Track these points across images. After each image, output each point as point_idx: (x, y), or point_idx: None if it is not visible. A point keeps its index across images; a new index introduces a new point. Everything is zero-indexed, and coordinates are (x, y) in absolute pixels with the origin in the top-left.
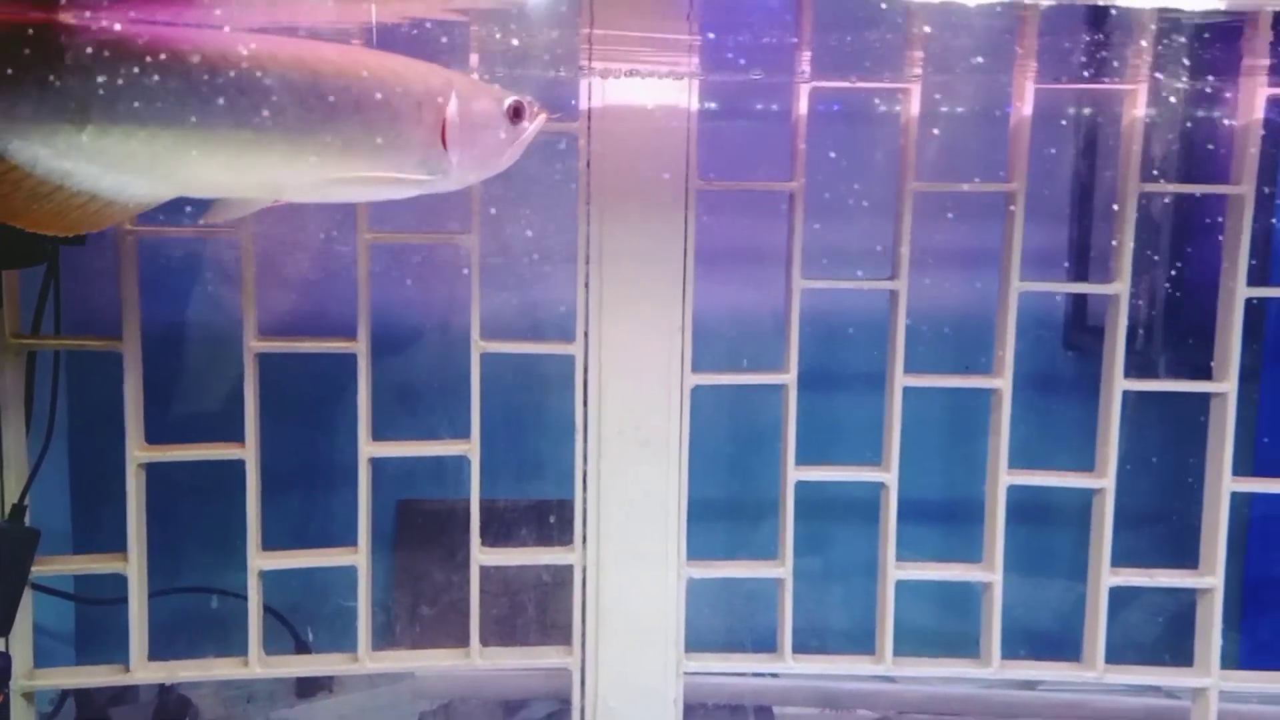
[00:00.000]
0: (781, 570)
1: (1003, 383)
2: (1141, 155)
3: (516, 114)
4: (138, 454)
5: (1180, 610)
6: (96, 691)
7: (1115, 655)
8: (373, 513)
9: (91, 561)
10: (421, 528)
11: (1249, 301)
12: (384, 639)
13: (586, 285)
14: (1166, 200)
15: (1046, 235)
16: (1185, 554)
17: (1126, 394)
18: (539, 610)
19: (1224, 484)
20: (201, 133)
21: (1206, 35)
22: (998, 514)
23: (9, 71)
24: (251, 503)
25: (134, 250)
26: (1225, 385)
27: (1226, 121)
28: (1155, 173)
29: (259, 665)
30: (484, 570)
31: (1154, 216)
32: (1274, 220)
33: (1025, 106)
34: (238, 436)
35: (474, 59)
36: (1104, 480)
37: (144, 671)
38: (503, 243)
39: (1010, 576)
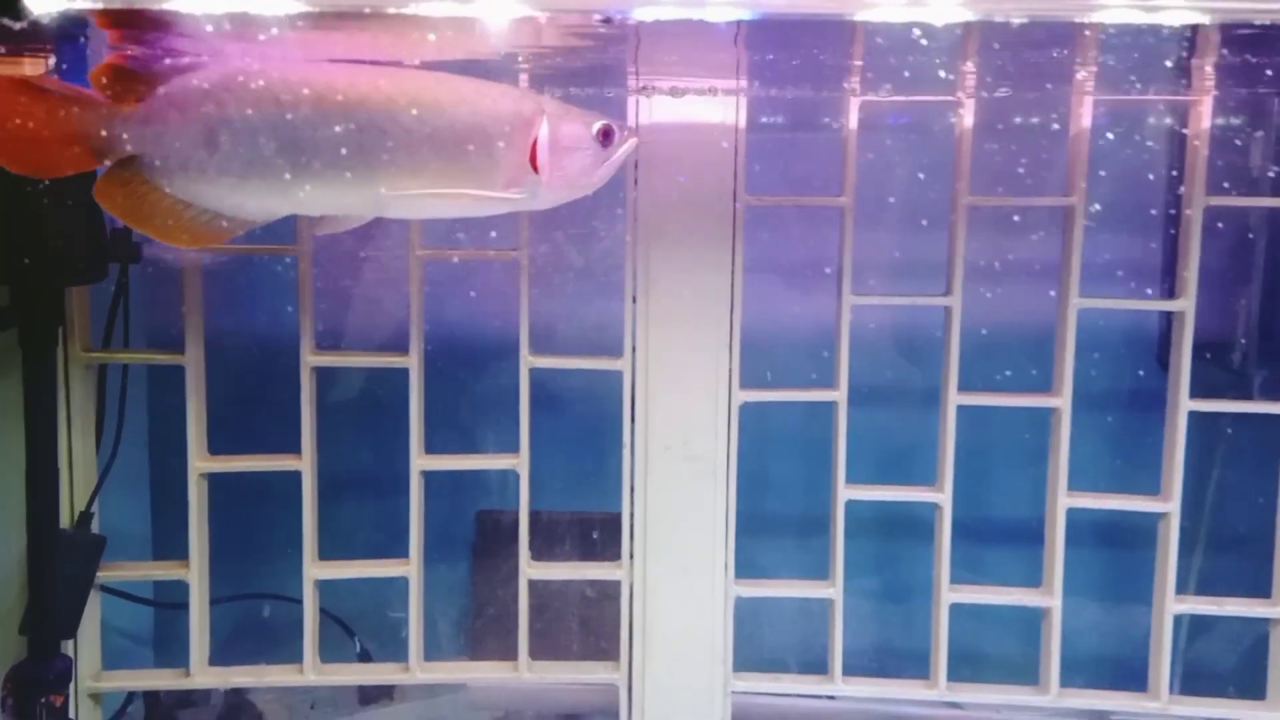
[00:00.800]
0: (832, 590)
1: (1061, 401)
2: (1245, 168)
3: (606, 136)
4: (199, 464)
5: (1260, 642)
6: (165, 694)
7: (1188, 686)
8: (451, 522)
9: (156, 568)
10: (499, 538)
11: None
12: (457, 647)
13: (634, 300)
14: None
15: (1140, 249)
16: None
17: (1219, 414)
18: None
19: None
20: (310, 158)
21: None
22: (1057, 537)
23: (162, 106)
24: (308, 513)
25: (198, 268)
26: None
27: None
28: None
29: (313, 672)
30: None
31: (1252, 228)
32: None
33: (1084, 118)
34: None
35: (523, 79)
36: (1169, 504)
37: (203, 676)
38: (556, 258)
39: (1089, 601)
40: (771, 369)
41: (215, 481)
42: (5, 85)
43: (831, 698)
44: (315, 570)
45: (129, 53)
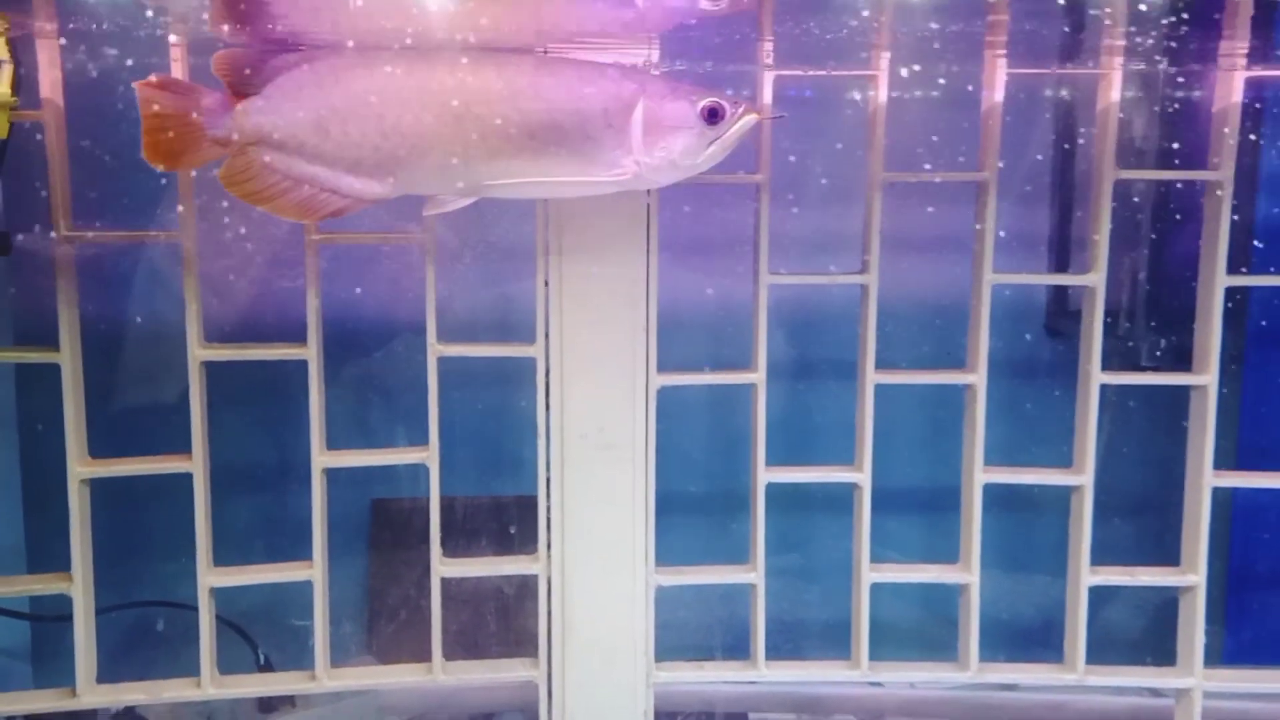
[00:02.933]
0: (753, 575)
1: (976, 378)
2: (1128, 141)
3: (712, 115)
4: (79, 470)
5: (1167, 605)
6: (49, 714)
7: (1100, 653)
8: (344, 512)
9: (35, 582)
10: (398, 527)
11: (1232, 290)
12: (358, 646)
13: (546, 283)
14: (1150, 185)
15: (1028, 222)
16: (1172, 549)
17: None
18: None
19: (1205, 479)
20: (416, 141)
21: (1183, 17)
22: (974, 513)
23: (277, 97)
24: (200, 517)
25: (70, 259)
26: (1206, 377)
27: (1206, 106)
28: (1135, 157)
29: (212, 686)
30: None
31: (1138, 201)
32: (1256, 207)
33: (996, 93)
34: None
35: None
36: (1082, 477)
37: (91, 695)
38: (462, 240)
39: (996, 573)
40: (687, 351)
41: (98, 483)
42: (148, 85)
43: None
44: (211, 578)
45: (246, 47)
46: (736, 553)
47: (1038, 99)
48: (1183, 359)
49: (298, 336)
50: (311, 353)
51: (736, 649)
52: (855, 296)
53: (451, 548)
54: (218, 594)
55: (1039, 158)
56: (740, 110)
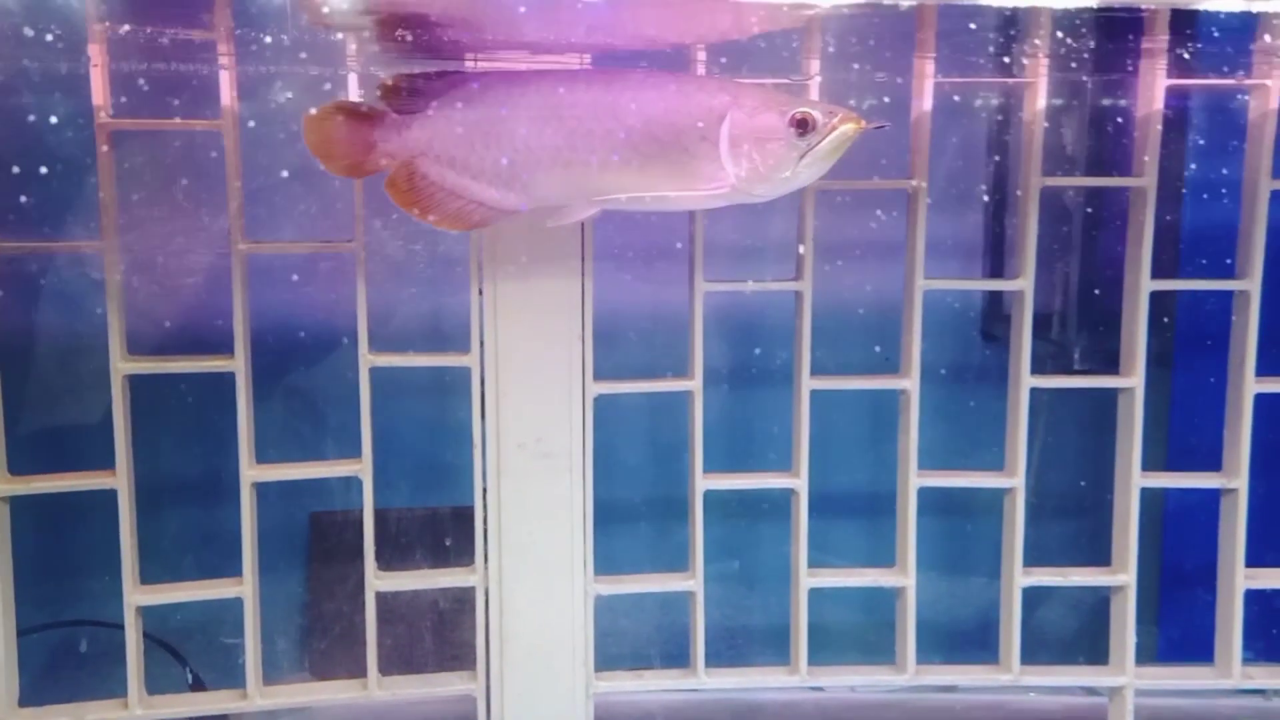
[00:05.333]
0: (692, 583)
1: (910, 383)
2: (1061, 148)
3: (801, 126)
4: None
5: (1104, 605)
6: None
7: (1041, 653)
8: (283, 526)
9: None
10: (336, 541)
11: (1161, 293)
12: (295, 663)
13: (480, 291)
14: (1085, 191)
15: (965, 228)
16: (1110, 549)
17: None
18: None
19: (1133, 479)
20: (540, 155)
21: (1108, 26)
22: (909, 517)
23: (434, 114)
24: (126, 534)
25: None
26: (1133, 380)
27: (1132, 114)
28: (1068, 164)
29: (139, 707)
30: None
31: (1069, 206)
32: (1184, 212)
33: (925, 102)
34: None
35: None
36: (1014, 479)
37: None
38: (395, 248)
39: (940, 576)
40: (624, 358)
41: (19, 499)
42: (326, 109)
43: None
44: (138, 596)
45: (409, 71)
46: (683, 560)
47: (974, 107)
48: (1116, 362)
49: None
50: (239, 364)
51: (683, 658)
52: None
53: (388, 560)
54: (150, 613)
55: (977, 165)
56: (836, 120)
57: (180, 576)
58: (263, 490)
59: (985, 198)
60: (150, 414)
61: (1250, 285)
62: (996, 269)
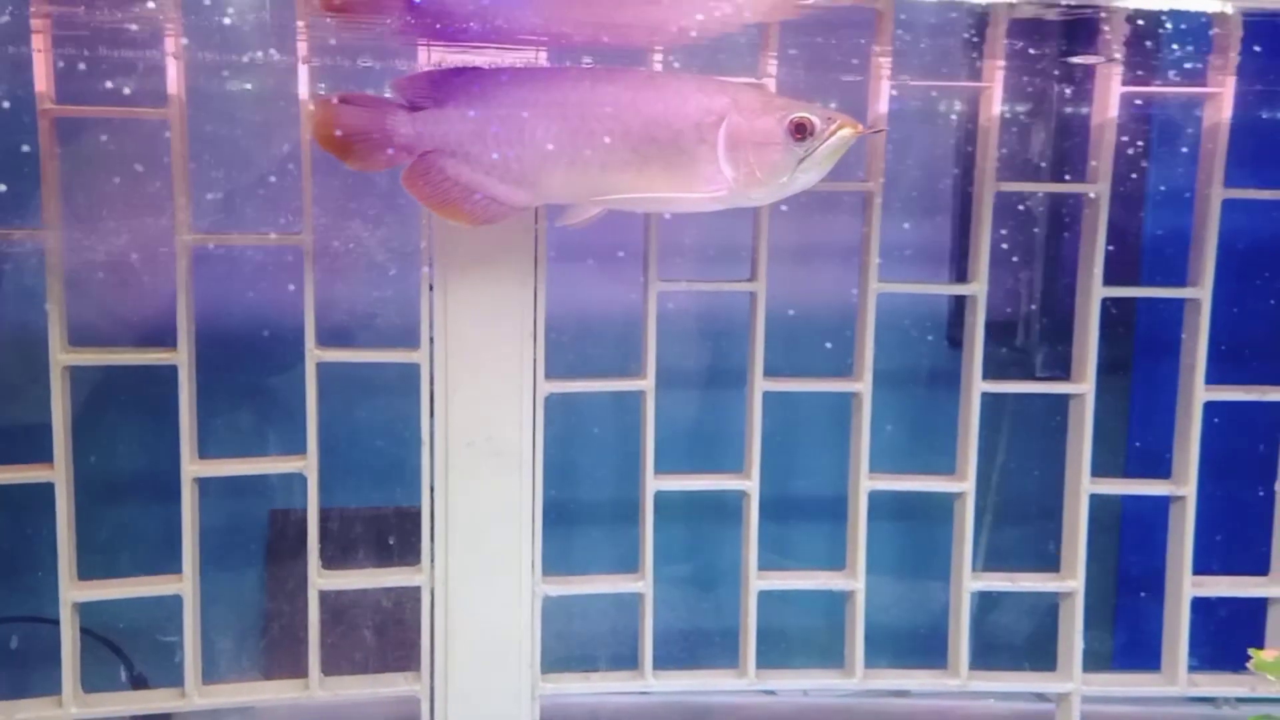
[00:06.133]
0: (641, 584)
1: (862, 386)
2: (1026, 155)
3: (798, 130)
4: None
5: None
6: None
7: (999, 657)
8: (241, 522)
9: None
10: (296, 539)
11: (1121, 301)
12: (253, 661)
13: (431, 288)
14: (1049, 198)
15: (933, 233)
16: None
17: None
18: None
19: (1083, 485)
20: (546, 152)
21: (1065, 32)
22: (860, 519)
23: (446, 109)
24: (63, 528)
25: None
26: (1084, 385)
27: (1089, 120)
28: (1034, 170)
29: (74, 705)
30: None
31: (1035, 213)
32: (1144, 220)
33: (880, 104)
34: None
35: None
36: (964, 484)
37: None
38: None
39: (900, 580)
40: (579, 357)
41: None
42: (327, 102)
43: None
44: (74, 592)
45: (422, 73)
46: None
47: (942, 111)
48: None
49: (212, 340)
50: (182, 357)
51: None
52: (779, 304)
53: (338, 559)
54: (100, 610)
55: (946, 170)
56: (834, 125)
57: (136, 573)
58: (223, 486)
59: (952, 204)
60: (113, 408)
61: (1201, 293)
62: (962, 275)
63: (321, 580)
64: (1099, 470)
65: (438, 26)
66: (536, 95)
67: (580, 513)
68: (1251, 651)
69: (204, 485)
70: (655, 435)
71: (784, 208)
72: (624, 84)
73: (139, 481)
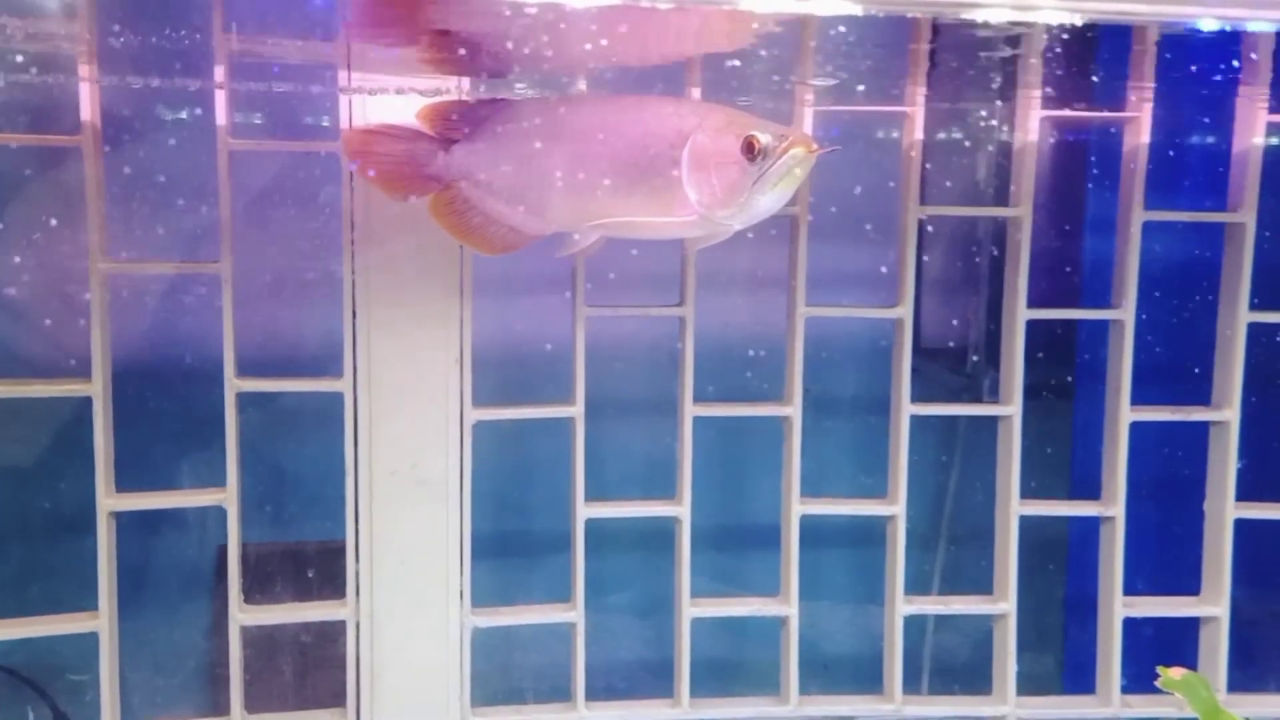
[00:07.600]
0: (573, 614)
1: (792, 410)
2: (974, 179)
3: (748, 148)
4: None
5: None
6: None
7: (948, 680)
8: (191, 559)
9: None
10: (250, 574)
11: (1063, 324)
12: (205, 698)
13: (354, 314)
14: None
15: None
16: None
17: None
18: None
19: (1012, 507)
20: (551, 179)
21: (985, 55)
22: (792, 545)
23: (475, 142)
24: None
25: None
26: (1010, 408)
27: (1042, 146)
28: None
29: None
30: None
31: (979, 238)
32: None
33: (803, 127)
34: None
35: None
36: (895, 507)
37: None
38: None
39: (851, 605)
40: (509, 384)
41: None
42: (362, 132)
43: None
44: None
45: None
46: (594, 589)
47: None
48: (1029, 393)
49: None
50: (97, 389)
51: (601, 690)
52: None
53: (265, 594)
54: (15, 648)
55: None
56: (785, 144)
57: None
58: (175, 520)
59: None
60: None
61: (1125, 315)
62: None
63: (243, 615)
64: (1043, 493)
65: (462, 53)
66: (541, 121)
67: (530, 544)
68: (1160, 670)
69: (154, 520)
70: (612, 464)
71: (750, 234)
72: (613, 108)
73: (63, 516)
